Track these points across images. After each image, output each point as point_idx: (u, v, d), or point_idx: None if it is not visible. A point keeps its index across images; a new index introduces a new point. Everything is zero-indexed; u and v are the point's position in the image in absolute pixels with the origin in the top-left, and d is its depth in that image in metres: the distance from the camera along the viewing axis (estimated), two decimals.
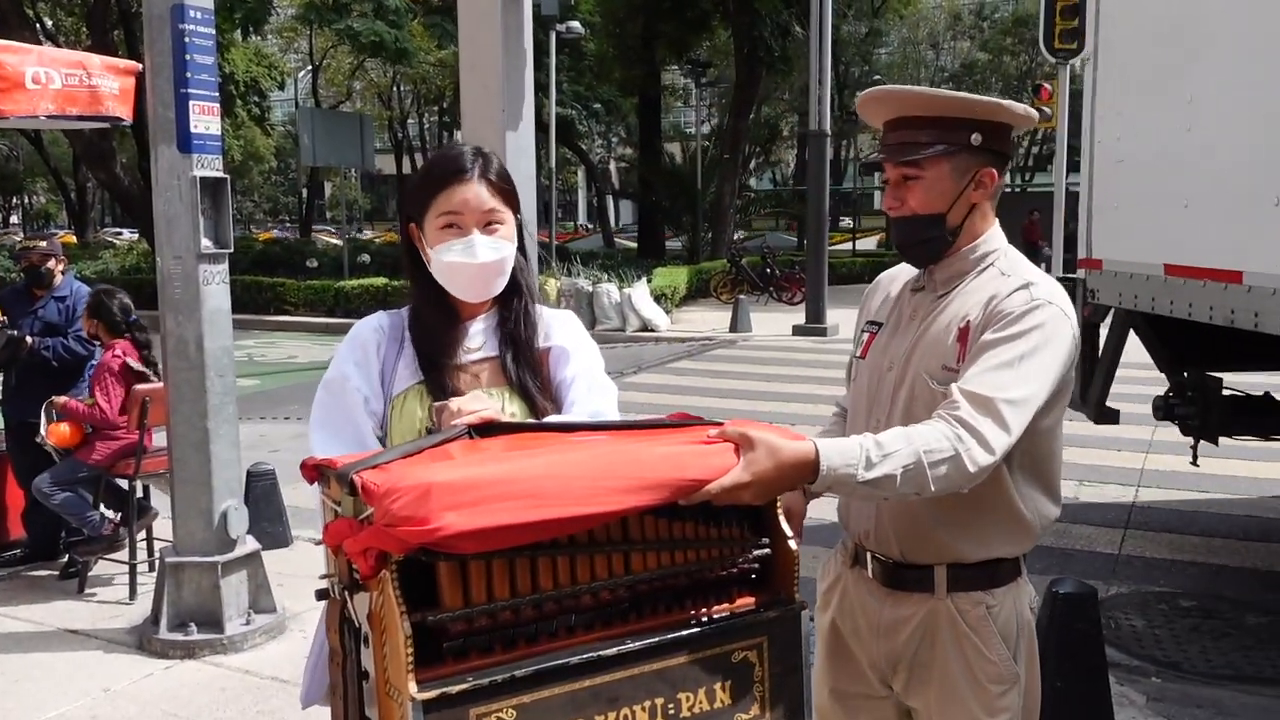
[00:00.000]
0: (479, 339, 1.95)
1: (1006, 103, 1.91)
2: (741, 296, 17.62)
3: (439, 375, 1.87)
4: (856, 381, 2.06)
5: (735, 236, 26.12)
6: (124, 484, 5.30)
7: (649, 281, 17.32)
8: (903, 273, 2.10)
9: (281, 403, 10.30)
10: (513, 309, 1.96)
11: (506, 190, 1.91)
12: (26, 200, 54.44)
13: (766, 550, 1.64)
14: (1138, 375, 11.25)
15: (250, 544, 4.62)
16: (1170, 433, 8.40)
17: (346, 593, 1.45)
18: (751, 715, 1.60)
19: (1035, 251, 23.76)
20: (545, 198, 27.40)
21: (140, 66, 5.59)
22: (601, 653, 1.46)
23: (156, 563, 5.00)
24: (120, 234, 46.02)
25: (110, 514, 5.35)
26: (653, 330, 15.97)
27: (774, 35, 22.38)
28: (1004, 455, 1.74)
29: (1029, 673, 1.96)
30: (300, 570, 5.31)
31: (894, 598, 1.96)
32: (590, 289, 16.49)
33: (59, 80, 4.97)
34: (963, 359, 1.84)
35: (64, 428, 5.03)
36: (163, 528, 5.36)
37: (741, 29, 22.96)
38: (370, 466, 1.39)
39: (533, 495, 1.37)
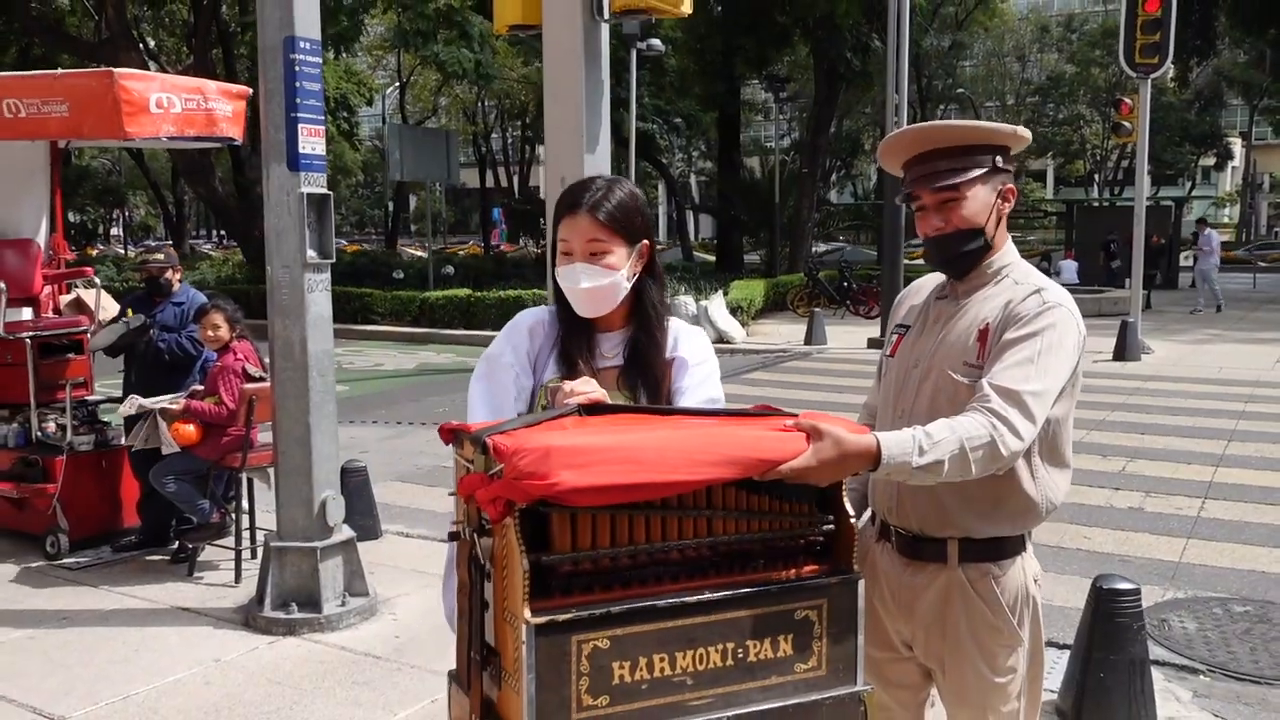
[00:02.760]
0: (613, 350, 2.25)
1: (1017, 129, 2.17)
2: (817, 309, 17.76)
3: (573, 375, 2.15)
4: (886, 377, 2.33)
5: (814, 250, 26.22)
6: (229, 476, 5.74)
7: (725, 294, 17.57)
8: (927, 284, 2.36)
9: (370, 408, 10.78)
10: (641, 326, 2.24)
11: (617, 222, 2.16)
12: (127, 213, 56.57)
13: (831, 526, 1.90)
14: (1215, 391, 11.20)
15: (346, 532, 5.00)
16: (1242, 446, 8.45)
17: (475, 535, 1.76)
18: (810, 666, 1.84)
19: (1154, 259, 23.53)
20: None
21: (250, 91, 6.07)
22: (684, 600, 1.74)
23: (260, 549, 5.40)
24: (203, 244, 47.63)
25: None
26: (728, 342, 16.19)
27: (853, 50, 22.50)
28: (1031, 440, 1.99)
29: (1033, 638, 2.20)
30: (389, 561, 5.67)
31: (913, 567, 2.21)
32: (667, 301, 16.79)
33: (179, 105, 5.43)
34: (982, 356, 2.10)
35: (190, 428, 5.46)
36: (262, 518, 5.78)
37: (821, 45, 23.13)
38: (499, 432, 1.70)
39: (634, 461, 1.67)
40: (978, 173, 2.14)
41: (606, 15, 3.12)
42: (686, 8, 3.29)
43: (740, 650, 1.77)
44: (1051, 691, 3.94)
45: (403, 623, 4.86)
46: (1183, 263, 29.64)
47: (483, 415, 2.12)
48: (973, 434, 1.93)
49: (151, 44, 32.04)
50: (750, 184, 31.43)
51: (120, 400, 6.09)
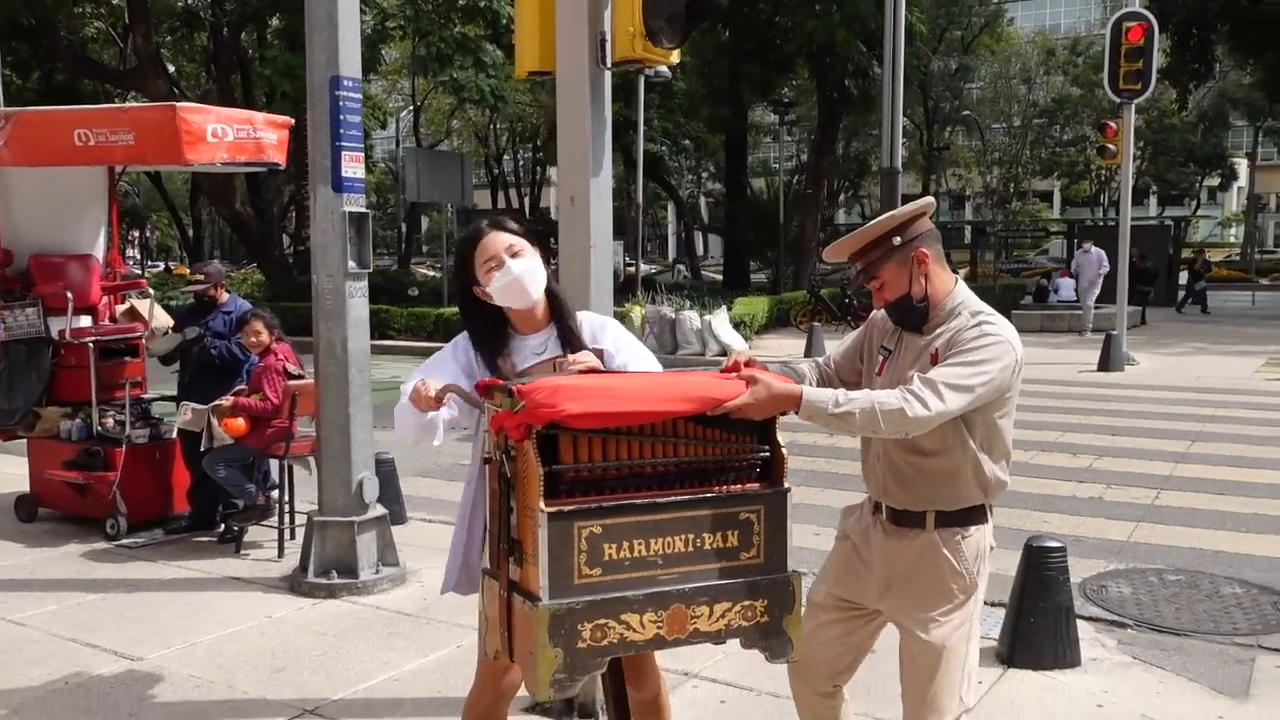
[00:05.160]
0: (540, 346, 2.92)
1: (895, 212, 2.75)
2: (816, 324, 18.39)
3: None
4: (876, 389, 2.87)
5: (819, 268, 26.90)
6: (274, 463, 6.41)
7: (729, 310, 18.23)
8: None
9: (390, 415, 11.45)
10: (561, 319, 2.95)
11: (518, 228, 2.90)
12: (147, 234, 57.52)
13: (767, 453, 2.54)
14: (1189, 398, 11.76)
15: (379, 509, 5.65)
16: (1205, 445, 9.06)
17: (503, 456, 2.41)
18: (751, 555, 2.48)
19: (1148, 278, 24.03)
20: (634, 232, 28.50)
21: (293, 121, 6.77)
22: (656, 500, 2.39)
23: (299, 529, 6.05)
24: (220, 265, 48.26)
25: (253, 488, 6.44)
26: (730, 355, 16.80)
27: (853, 76, 23.22)
28: (938, 418, 2.56)
29: (982, 586, 2.80)
30: (414, 541, 6.31)
31: (898, 532, 2.79)
32: (673, 316, 17.46)
33: (231, 134, 6.13)
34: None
35: (239, 421, 6.13)
36: (300, 502, 6.43)
37: (822, 71, 23.84)
38: (521, 384, 2.36)
39: (618, 397, 2.35)
40: (880, 260, 2.73)
41: (609, 64, 3.79)
42: (674, 58, 3.94)
43: (698, 540, 2.42)
44: (992, 638, 4.57)
45: (429, 588, 5.50)
46: (1181, 281, 30.26)
47: (421, 375, 2.83)
48: (884, 401, 2.54)
49: (171, 69, 32.95)
50: (756, 205, 32.18)
51: (174, 399, 6.78)
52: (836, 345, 3.07)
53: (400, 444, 2.85)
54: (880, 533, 2.82)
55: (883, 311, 2.87)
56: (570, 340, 2.93)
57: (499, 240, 2.84)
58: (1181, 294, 26.52)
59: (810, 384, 2.91)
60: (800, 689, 2.97)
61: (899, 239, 2.73)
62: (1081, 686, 4.20)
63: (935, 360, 2.66)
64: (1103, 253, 19.53)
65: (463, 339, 2.98)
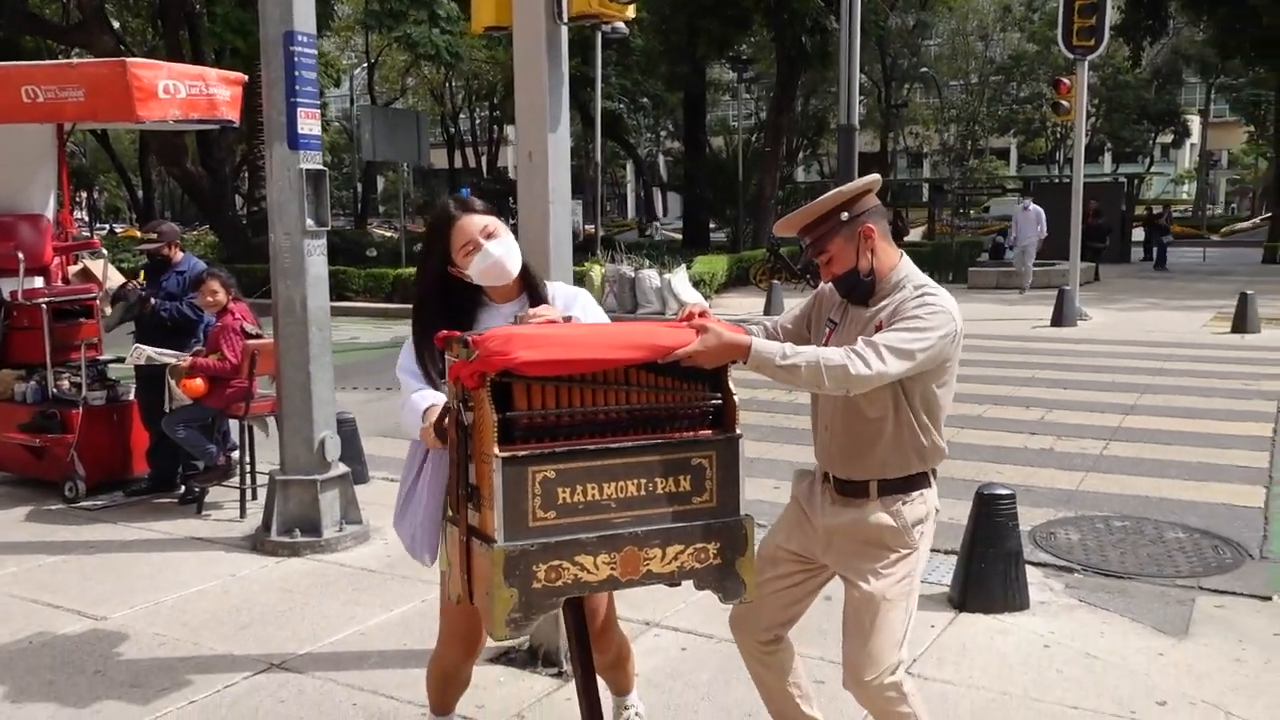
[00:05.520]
0: (506, 320, 2.90)
1: (843, 188, 2.81)
2: (776, 282, 18.50)
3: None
4: None
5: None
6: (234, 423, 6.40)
7: (689, 268, 18.27)
8: None
9: (350, 376, 11.42)
10: (532, 290, 2.99)
11: (488, 210, 2.92)
12: (95, 196, 56.42)
13: (719, 401, 2.60)
14: (1138, 351, 12.00)
15: (341, 468, 5.68)
16: (1153, 398, 9.28)
17: (460, 404, 2.45)
18: (704, 499, 2.55)
19: (1101, 234, 24.23)
20: (593, 191, 28.42)
21: (245, 78, 6.69)
22: (609, 445, 2.44)
23: (261, 489, 6.06)
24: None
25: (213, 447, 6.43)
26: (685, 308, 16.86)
27: (810, 33, 23.18)
28: (879, 379, 2.62)
29: (923, 546, 2.88)
30: (377, 500, 6.32)
31: (844, 502, 2.87)
32: (633, 275, 17.48)
33: (184, 90, 6.05)
34: None
35: (198, 381, 6.10)
36: (261, 462, 6.43)
37: (780, 26, 23.77)
38: (476, 335, 2.41)
39: (570, 345, 2.40)
40: (828, 235, 2.80)
41: (565, 19, 3.79)
42: (630, 12, 3.95)
43: (650, 485, 2.48)
44: (944, 584, 4.70)
45: (392, 546, 5.52)
46: (1135, 237, 30.70)
47: (411, 367, 2.90)
48: (829, 357, 2.61)
49: (116, 25, 32.19)
50: (715, 163, 32.15)
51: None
52: (787, 312, 3.14)
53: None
54: (828, 501, 2.91)
55: (830, 285, 2.95)
56: (537, 298, 2.98)
57: (473, 224, 2.87)
58: (1156, 252, 26.73)
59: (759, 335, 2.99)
60: (742, 639, 3.06)
61: (846, 214, 2.80)
62: (1030, 628, 4.34)
63: (879, 328, 2.74)
64: (1041, 211, 19.37)
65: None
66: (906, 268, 2.86)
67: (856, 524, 2.83)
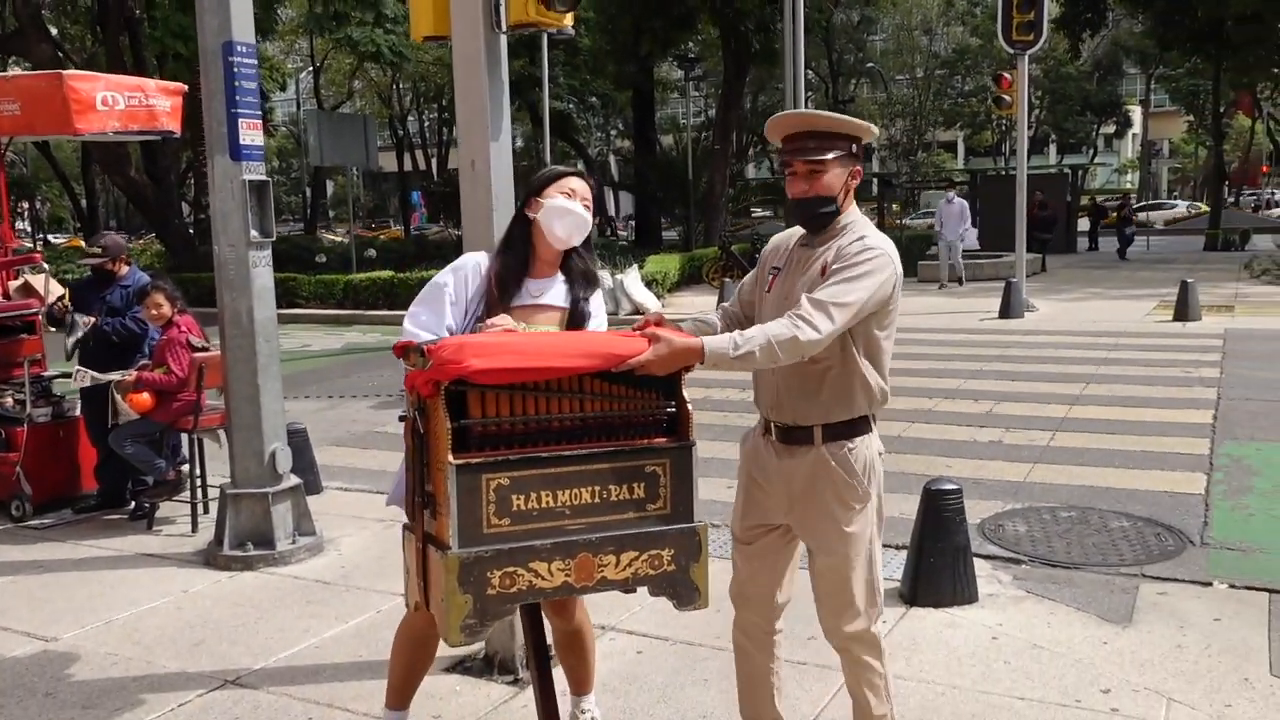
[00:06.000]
0: (539, 290, 3.05)
1: (870, 125, 2.89)
2: (728, 280, 18.57)
3: (499, 310, 2.96)
4: (763, 308, 2.99)
5: (729, 224, 27.07)
6: (184, 438, 6.33)
7: (641, 268, 18.30)
8: (792, 235, 3.06)
9: (302, 385, 11.32)
10: (576, 282, 3.11)
11: (593, 197, 3.09)
12: (38, 205, 55.36)
13: (673, 409, 2.64)
14: (1083, 342, 12.19)
15: (293, 479, 5.64)
16: (1097, 388, 9.45)
17: (417, 414, 2.47)
18: (658, 506, 2.60)
19: (1047, 225, 24.51)
20: None
21: (185, 88, 6.63)
22: (562, 453, 2.48)
23: (212, 502, 6.01)
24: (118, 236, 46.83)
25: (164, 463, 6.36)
26: (644, 313, 16.86)
27: (756, 31, 23.30)
28: (830, 337, 2.69)
29: (877, 497, 2.94)
30: (330, 510, 6.31)
31: (789, 451, 2.91)
32: None
33: (123, 102, 5.98)
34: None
35: (145, 396, 6.02)
36: (212, 475, 6.38)
37: (725, 25, 23.87)
38: (431, 343, 2.43)
39: (522, 353, 2.44)
40: (836, 154, 2.84)
41: (505, 28, 3.81)
42: (568, 21, 3.97)
43: (605, 492, 2.52)
44: (895, 580, 4.77)
45: (346, 556, 5.53)
46: (1080, 228, 31.20)
47: (426, 322, 2.91)
48: (778, 332, 2.66)
49: (54, 32, 31.63)
50: (665, 161, 32.14)
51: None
52: (736, 293, 3.19)
53: None
54: (772, 454, 2.94)
55: (774, 241, 3.07)
56: (575, 291, 3.11)
57: (583, 185, 3.09)
58: (1119, 241, 27.11)
59: (718, 331, 3.04)
60: (748, 619, 3.10)
61: (855, 148, 2.89)
62: (978, 620, 4.42)
63: (824, 273, 2.80)
64: (965, 204, 19.33)
65: (471, 262, 3.08)
66: (855, 215, 2.94)
67: (805, 476, 2.88)
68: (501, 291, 3.00)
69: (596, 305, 3.19)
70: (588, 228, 3.07)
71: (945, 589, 4.57)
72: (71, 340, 6.44)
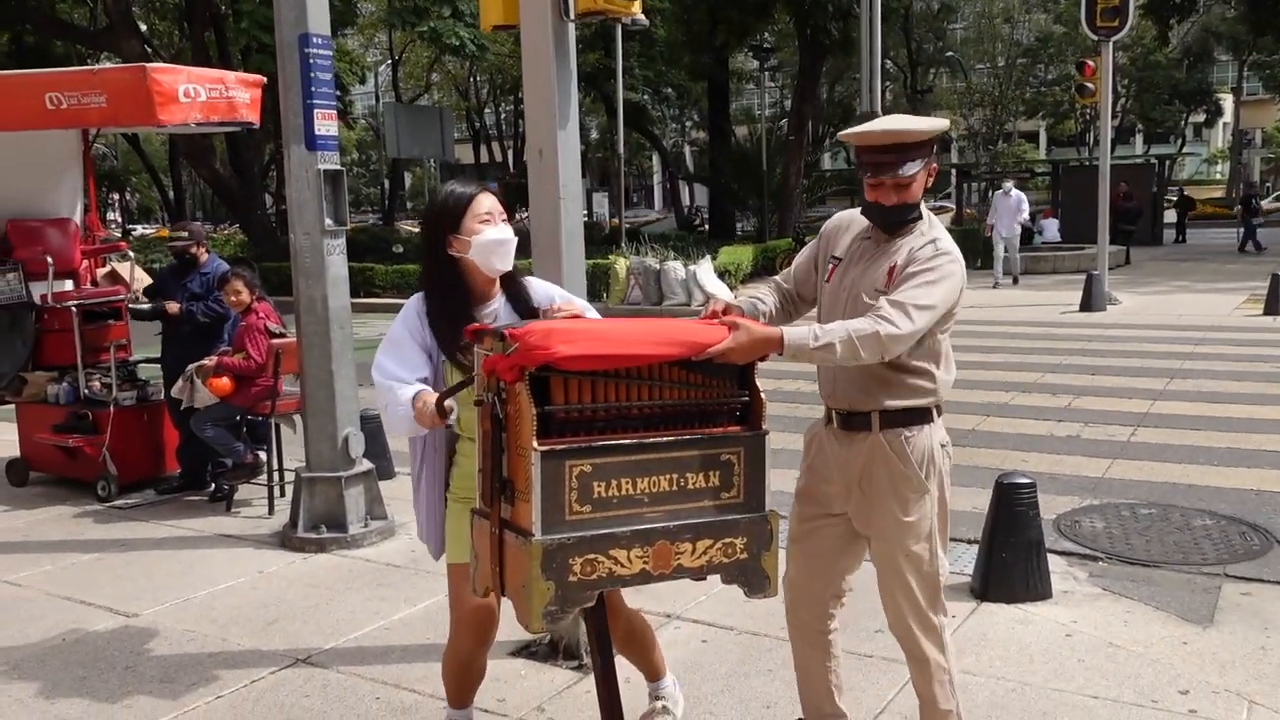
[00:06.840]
0: (489, 315, 2.97)
1: (945, 123, 2.85)
2: None
3: (452, 348, 2.90)
4: (823, 297, 2.99)
5: (804, 215, 26.85)
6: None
7: (714, 259, 18.23)
8: (855, 221, 3.01)
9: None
10: (517, 291, 3.03)
11: (503, 202, 3.00)
12: (127, 196, 57.01)
13: (747, 398, 2.62)
14: (1168, 336, 11.88)
15: (366, 464, 5.73)
16: (1182, 383, 9.18)
17: (495, 399, 2.48)
18: (732, 495, 2.58)
19: (1131, 216, 23.88)
20: (618, 183, 28.39)
21: (264, 80, 6.75)
22: (643, 440, 2.48)
23: (288, 485, 6.13)
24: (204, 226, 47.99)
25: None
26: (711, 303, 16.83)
27: (833, 19, 23.04)
28: (911, 337, 2.68)
29: (939, 490, 2.90)
30: (401, 495, 6.33)
31: (848, 437, 2.91)
32: (658, 267, 17.47)
33: (204, 94, 6.11)
34: (889, 285, 2.80)
35: (224, 380, 6.18)
36: (289, 459, 6.50)
37: (802, 13, 23.63)
38: (512, 328, 2.44)
39: (606, 340, 2.45)
40: (920, 164, 2.80)
41: (572, 16, 3.81)
42: (637, 9, 3.95)
43: (682, 480, 2.51)
44: (965, 574, 4.69)
45: (416, 541, 5.55)
46: (1168, 219, 30.35)
47: (393, 371, 2.87)
48: (860, 327, 2.65)
49: (144, 28, 32.46)
50: (740, 152, 31.99)
51: (158, 361, 6.83)
52: (787, 270, 3.16)
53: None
54: (833, 442, 2.94)
55: (836, 221, 3.03)
56: (521, 307, 3.02)
57: (494, 202, 2.95)
58: (1243, 233, 25.92)
59: (772, 306, 3.04)
60: (800, 619, 3.09)
61: (934, 148, 2.85)
62: (1051, 617, 4.32)
63: (891, 274, 2.78)
64: (1022, 196, 18.50)
65: (413, 311, 2.99)
66: (922, 210, 2.90)
67: (862, 463, 2.87)
68: (448, 341, 2.90)
69: (547, 292, 3.09)
70: (513, 249, 2.95)
71: (1018, 584, 4.48)
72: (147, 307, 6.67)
